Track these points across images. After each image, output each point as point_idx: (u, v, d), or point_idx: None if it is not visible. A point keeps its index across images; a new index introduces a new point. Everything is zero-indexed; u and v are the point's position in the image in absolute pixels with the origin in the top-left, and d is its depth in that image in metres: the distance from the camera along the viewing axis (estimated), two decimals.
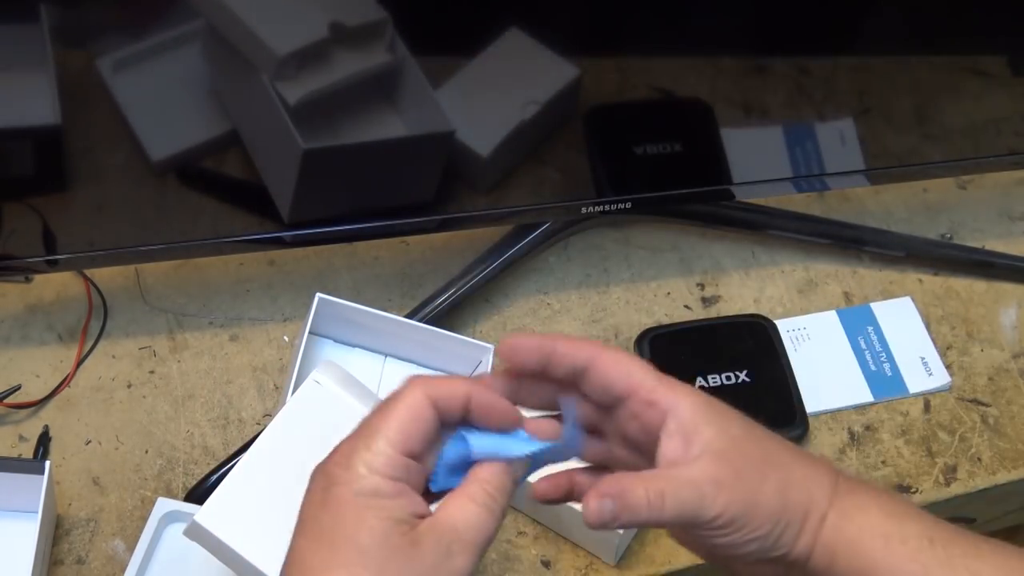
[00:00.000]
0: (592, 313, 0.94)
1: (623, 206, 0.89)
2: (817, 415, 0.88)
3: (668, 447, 0.57)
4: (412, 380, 0.55)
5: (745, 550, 0.57)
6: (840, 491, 0.58)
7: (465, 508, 0.54)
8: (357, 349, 0.86)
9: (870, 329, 0.94)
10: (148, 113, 0.77)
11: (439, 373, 0.86)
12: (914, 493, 0.85)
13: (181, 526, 0.73)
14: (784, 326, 0.92)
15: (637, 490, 0.55)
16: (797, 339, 0.92)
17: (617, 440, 0.60)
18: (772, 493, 0.57)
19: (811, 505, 0.57)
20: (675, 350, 0.88)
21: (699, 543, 0.59)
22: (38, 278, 0.92)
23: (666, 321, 0.93)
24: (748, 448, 0.57)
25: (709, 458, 0.56)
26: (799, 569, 0.58)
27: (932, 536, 0.57)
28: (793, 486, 0.57)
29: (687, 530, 0.59)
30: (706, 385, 0.86)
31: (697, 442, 0.56)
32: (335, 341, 0.85)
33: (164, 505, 0.76)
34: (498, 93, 0.83)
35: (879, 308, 0.95)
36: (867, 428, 0.88)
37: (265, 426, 0.74)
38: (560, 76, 0.83)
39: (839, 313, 0.95)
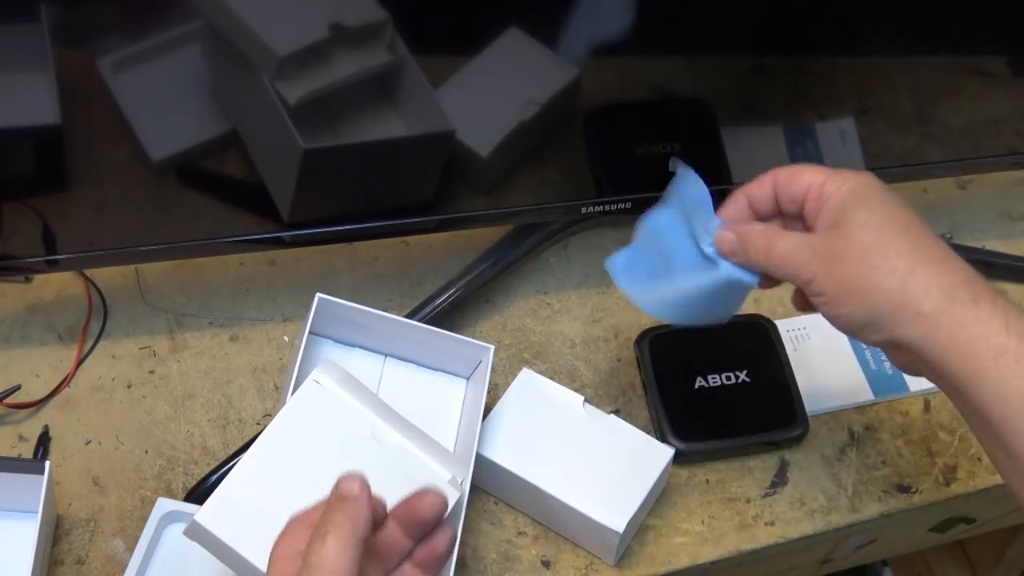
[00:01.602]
0: (592, 313, 0.94)
1: (623, 206, 0.89)
2: (817, 415, 0.88)
3: (816, 222, 0.66)
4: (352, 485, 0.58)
5: (844, 323, 0.64)
6: (958, 297, 0.61)
7: None
8: (357, 349, 0.86)
9: None
10: (148, 113, 0.77)
11: (439, 373, 0.86)
12: (914, 493, 0.85)
13: (181, 526, 0.73)
14: (784, 326, 0.92)
15: (756, 237, 0.67)
16: (797, 339, 0.92)
17: None
18: (860, 275, 0.62)
19: (905, 298, 0.61)
20: (675, 350, 0.88)
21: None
22: (38, 278, 0.92)
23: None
24: (861, 234, 0.63)
25: (822, 232, 0.65)
26: (919, 360, 0.63)
27: None
28: (887, 277, 0.61)
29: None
30: (706, 385, 0.86)
31: (825, 220, 0.65)
32: (335, 341, 0.85)
33: (164, 505, 0.76)
34: (498, 93, 0.83)
35: None
36: (867, 428, 0.88)
37: (265, 426, 0.74)
38: (560, 76, 0.83)
39: None
